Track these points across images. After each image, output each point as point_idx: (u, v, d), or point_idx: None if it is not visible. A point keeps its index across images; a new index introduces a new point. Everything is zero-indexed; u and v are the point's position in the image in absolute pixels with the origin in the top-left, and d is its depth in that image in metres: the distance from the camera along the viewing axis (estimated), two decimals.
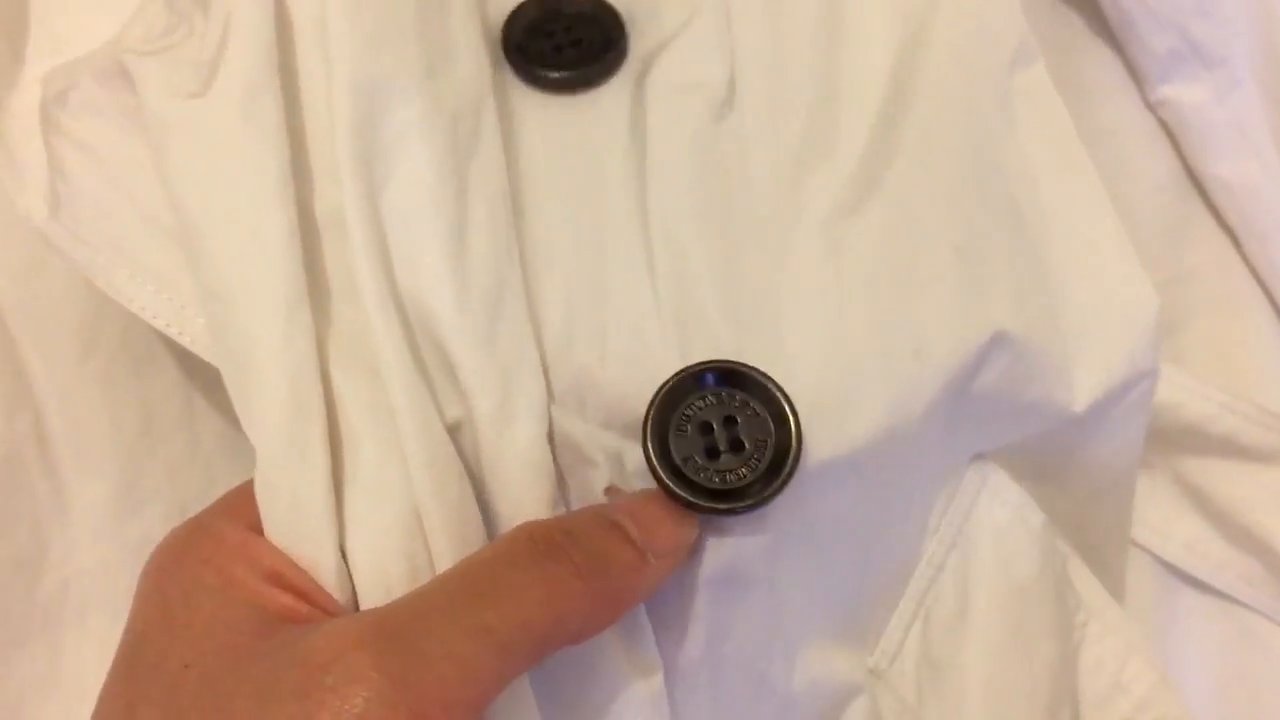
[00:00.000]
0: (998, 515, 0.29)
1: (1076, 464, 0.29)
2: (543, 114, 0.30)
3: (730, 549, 0.26)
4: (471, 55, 0.29)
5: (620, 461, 0.26)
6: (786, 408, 0.25)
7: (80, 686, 0.30)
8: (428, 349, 0.26)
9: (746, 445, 0.25)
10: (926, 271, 0.28)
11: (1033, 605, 0.29)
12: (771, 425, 0.25)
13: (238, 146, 0.26)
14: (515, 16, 0.31)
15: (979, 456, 0.30)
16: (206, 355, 0.27)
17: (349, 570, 0.24)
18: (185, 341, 0.27)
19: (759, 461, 0.25)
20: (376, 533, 0.24)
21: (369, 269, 0.26)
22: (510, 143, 0.29)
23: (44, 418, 0.30)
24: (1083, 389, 0.28)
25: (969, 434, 0.29)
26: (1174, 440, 0.33)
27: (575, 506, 0.26)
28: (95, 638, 0.30)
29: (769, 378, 0.26)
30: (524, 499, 0.25)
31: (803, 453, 0.25)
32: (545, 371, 0.26)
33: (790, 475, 0.25)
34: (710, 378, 0.26)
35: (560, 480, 0.26)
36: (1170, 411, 0.32)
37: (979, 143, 0.29)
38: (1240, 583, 0.33)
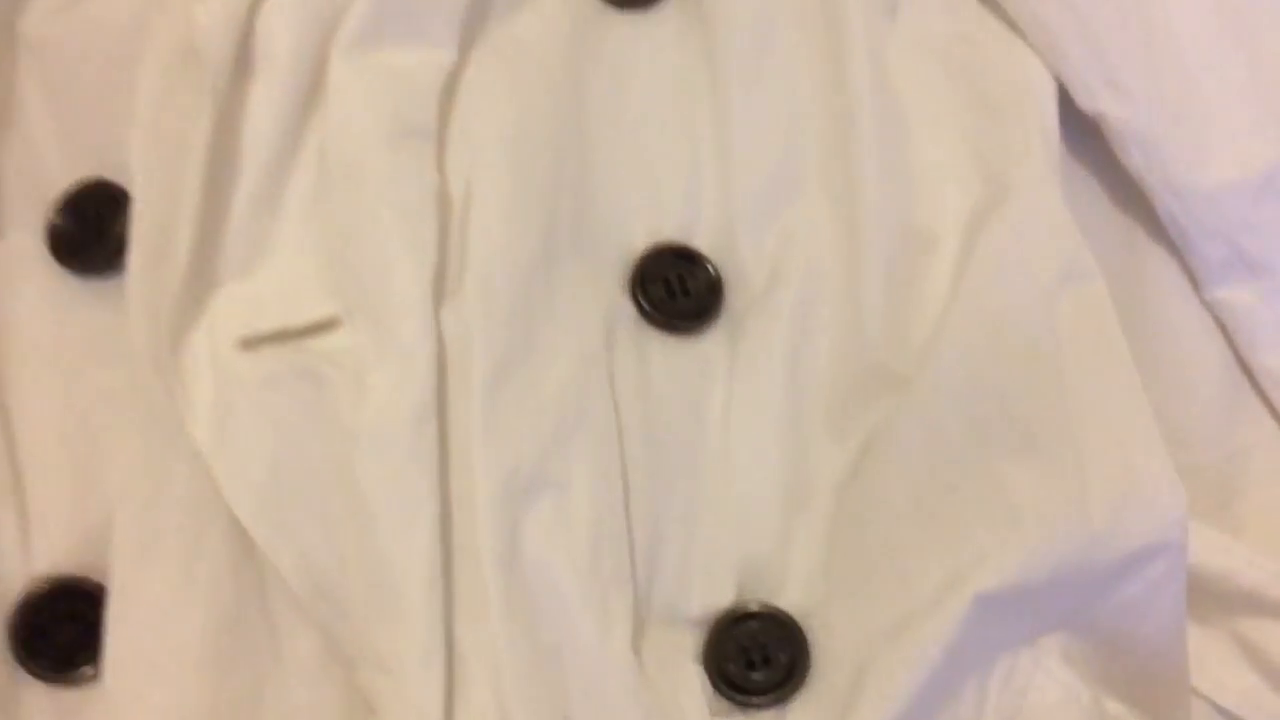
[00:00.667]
0: (1050, 694, 0.34)
1: (1122, 639, 0.34)
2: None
3: None
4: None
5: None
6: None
7: None
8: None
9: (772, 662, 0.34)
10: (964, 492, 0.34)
11: None
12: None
13: (400, 468, 0.32)
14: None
15: (1033, 640, 0.34)
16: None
17: None
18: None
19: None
20: None
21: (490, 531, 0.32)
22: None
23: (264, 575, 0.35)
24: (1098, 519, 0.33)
25: (1015, 628, 0.34)
26: (1231, 603, 0.37)
27: None
28: None
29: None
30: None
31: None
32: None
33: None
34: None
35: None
36: (1228, 578, 0.37)
37: (1017, 353, 0.34)
38: None
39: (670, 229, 0.38)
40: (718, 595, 0.34)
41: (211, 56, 0.34)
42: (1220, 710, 0.38)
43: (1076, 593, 0.33)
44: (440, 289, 0.34)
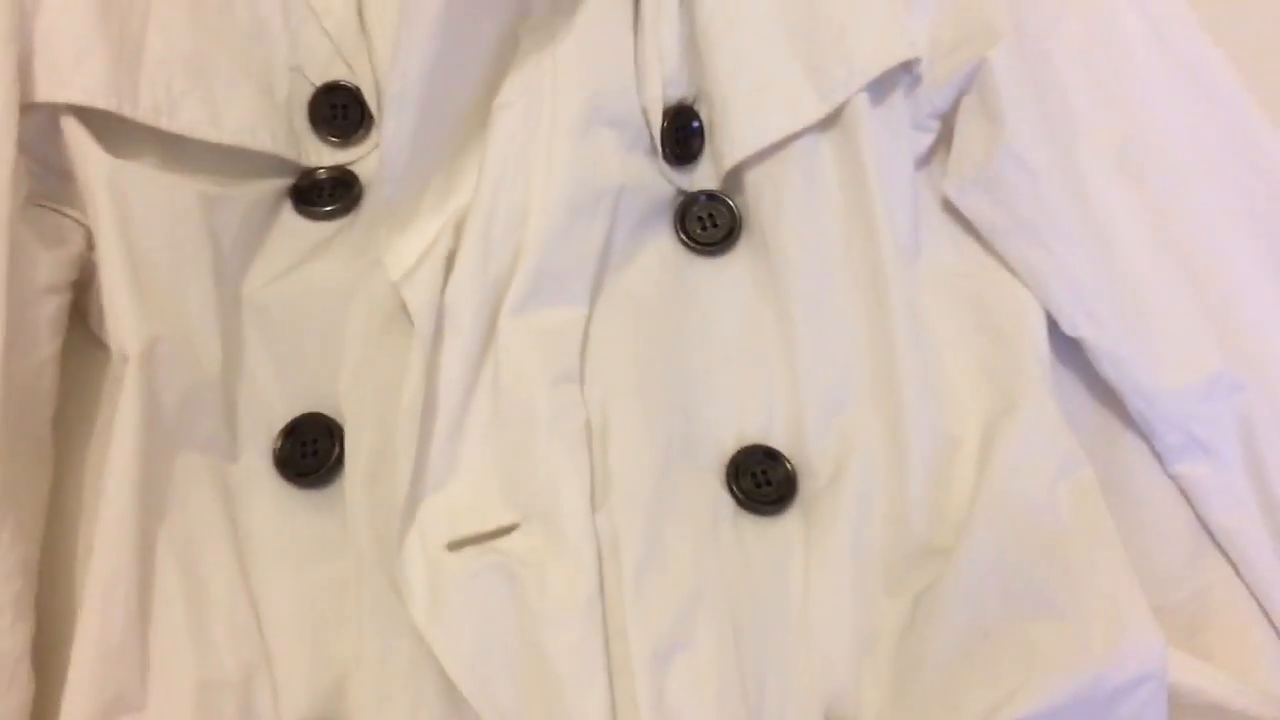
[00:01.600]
0: None
1: None
2: None
3: None
4: None
5: None
6: None
7: None
8: None
9: None
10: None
11: None
12: None
13: (580, 640, 0.42)
14: None
15: None
16: None
17: None
18: None
19: None
20: None
21: None
22: None
23: None
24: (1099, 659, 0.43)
25: None
26: (1203, 713, 0.47)
27: None
28: None
29: None
30: None
31: None
32: None
33: None
34: None
35: None
36: (1200, 693, 0.47)
37: (1031, 530, 0.45)
38: None
39: (753, 433, 0.49)
40: None
41: (420, 324, 0.45)
42: None
43: (1086, 714, 0.44)
44: (592, 499, 0.45)
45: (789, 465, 0.49)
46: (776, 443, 0.49)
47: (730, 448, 0.49)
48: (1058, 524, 0.46)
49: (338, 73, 0.51)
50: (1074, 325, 0.50)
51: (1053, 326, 0.51)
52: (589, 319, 0.49)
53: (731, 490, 0.48)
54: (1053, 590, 0.45)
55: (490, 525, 0.44)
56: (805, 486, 0.49)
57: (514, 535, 0.44)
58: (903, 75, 0.51)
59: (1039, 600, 0.45)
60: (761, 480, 0.49)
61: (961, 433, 0.48)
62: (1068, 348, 0.52)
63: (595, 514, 0.45)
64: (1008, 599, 0.45)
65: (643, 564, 0.44)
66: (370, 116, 0.52)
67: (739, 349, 0.51)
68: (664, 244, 0.52)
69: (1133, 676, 0.43)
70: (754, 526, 0.48)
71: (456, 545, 0.44)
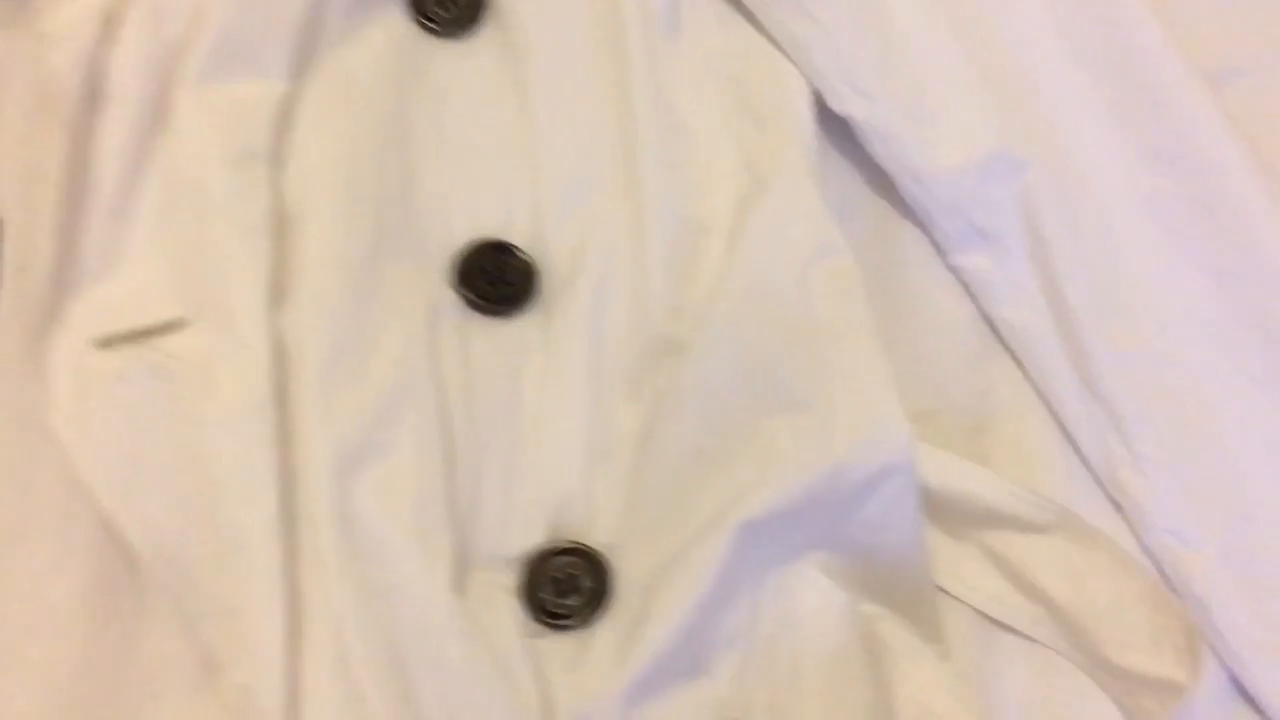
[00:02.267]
0: (811, 600, 0.41)
1: (871, 551, 0.41)
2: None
3: None
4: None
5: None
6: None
7: None
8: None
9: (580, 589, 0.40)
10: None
11: (845, 661, 0.40)
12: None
13: (246, 447, 0.37)
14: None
15: (797, 556, 0.41)
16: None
17: None
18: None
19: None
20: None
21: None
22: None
23: None
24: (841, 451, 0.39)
25: (779, 548, 0.40)
26: (977, 518, 0.44)
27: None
28: None
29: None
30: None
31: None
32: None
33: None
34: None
35: None
36: (973, 498, 0.44)
37: (776, 319, 0.41)
38: (1034, 625, 0.44)
39: (489, 227, 0.44)
40: (532, 536, 0.40)
41: (66, 93, 0.39)
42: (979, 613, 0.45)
43: (827, 515, 0.40)
44: (278, 294, 0.39)
45: (527, 261, 0.44)
46: (514, 238, 0.44)
47: (460, 244, 0.44)
48: (807, 313, 0.41)
49: None
50: (840, 100, 0.45)
51: (828, 111, 0.46)
52: (294, 98, 0.43)
53: (459, 289, 0.43)
54: (796, 382, 0.40)
55: (151, 319, 0.39)
56: (545, 285, 0.44)
57: (183, 333, 0.39)
58: None
59: (781, 394, 0.40)
60: (497, 278, 0.43)
61: (711, 220, 0.43)
62: (843, 134, 0.47)
63: (281, 310, 0.39)
64: (748, 394, 0.40)
65: (330, 364, 0.39)
66: None
67: (475, 138, 0.45)
68: (395, 22, 0.46)
69: (876, 471, 0.39)
70: (484, 328, 0.43)
71: (109, 342, 0.38)
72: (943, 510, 0.44)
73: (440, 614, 0.37)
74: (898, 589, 0.41)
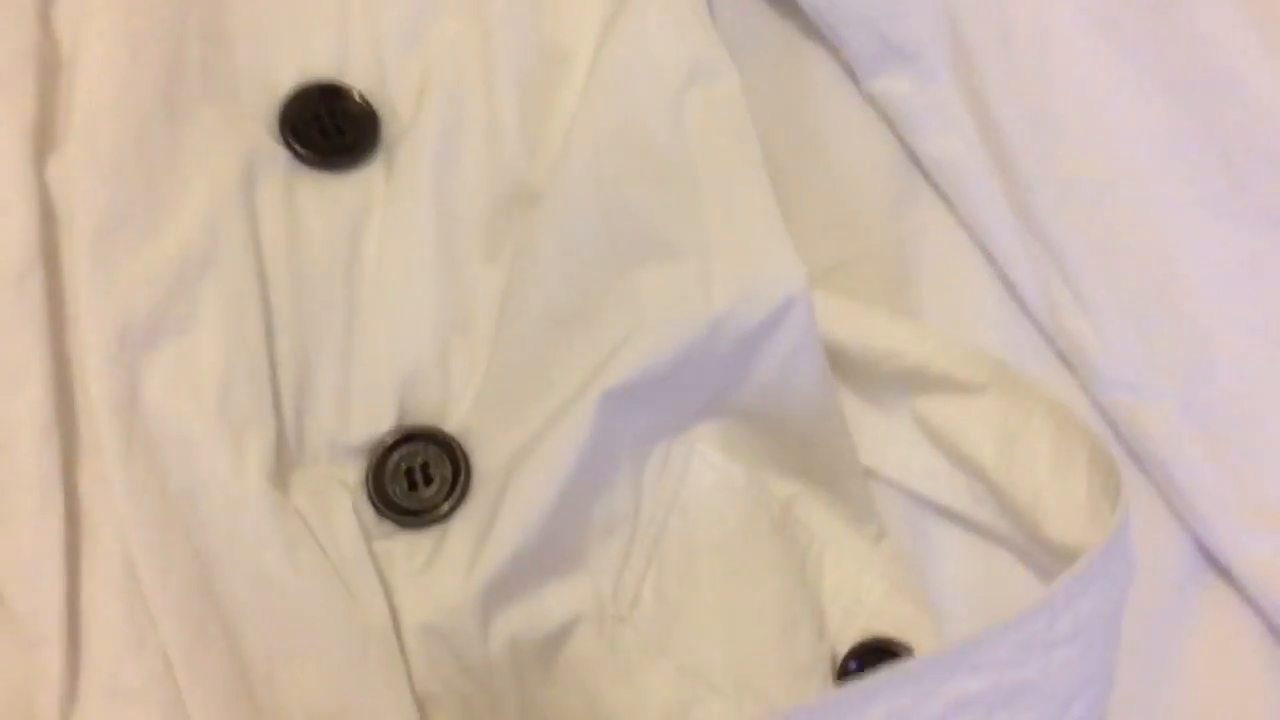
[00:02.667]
0: (705, 479, 0.35)
1: (774, 419, 0.35)
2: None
3: None
4: None
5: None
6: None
7: None
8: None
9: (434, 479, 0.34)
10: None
11: (750, 547, 0.35)
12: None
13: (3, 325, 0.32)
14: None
15: (684, 430, 0.35)
16: None
17: None
18: None
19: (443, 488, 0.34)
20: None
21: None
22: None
23: None
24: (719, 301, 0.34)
25: (658, 420, 0.35)
26: (903, 381, 0.38)
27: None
28: None
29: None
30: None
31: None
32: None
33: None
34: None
35: None
36: (896, 357, 0.38)
37: (645, 155, 0.35)
38: (973, 505, 0.39)
39: (319, 68, 0.37)
40: (377, 421, 0.34)
41: None
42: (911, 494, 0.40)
43: (712, 378, 0.34)
44: (46, 146, 0.33)
45: (364, 106, 0.37)
46: (350, 79, 0.38)
47: (285, 88, 0.37)
48: (680, 146, 0.35)
49: None
50: None
51: None
52: None
53: (285, 140, 0.37)
54: (667, 227, 0.34)
55: None
56: (385, 132, 0.37)
57: None
58: None
59: (650, 241, 0.34)
60: (330, 127, 0.37)
61: (572, 42, 0.37)
62: None
63: (45, 162, 0.33)
64: (613, 244, 0.34)
65: (110, 227, 0.32)
66: None
67: None
68: None
69: (764, 322, 0.33)
70: (314, 184, 0.36)
71: None
72: (864, 374, 0.38)
73: (255, 517, 0.31)
74: (814, 463, 0.36)
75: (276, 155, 0.36)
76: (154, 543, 0.30)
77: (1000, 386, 0.38)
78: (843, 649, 0.35)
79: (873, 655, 0.35)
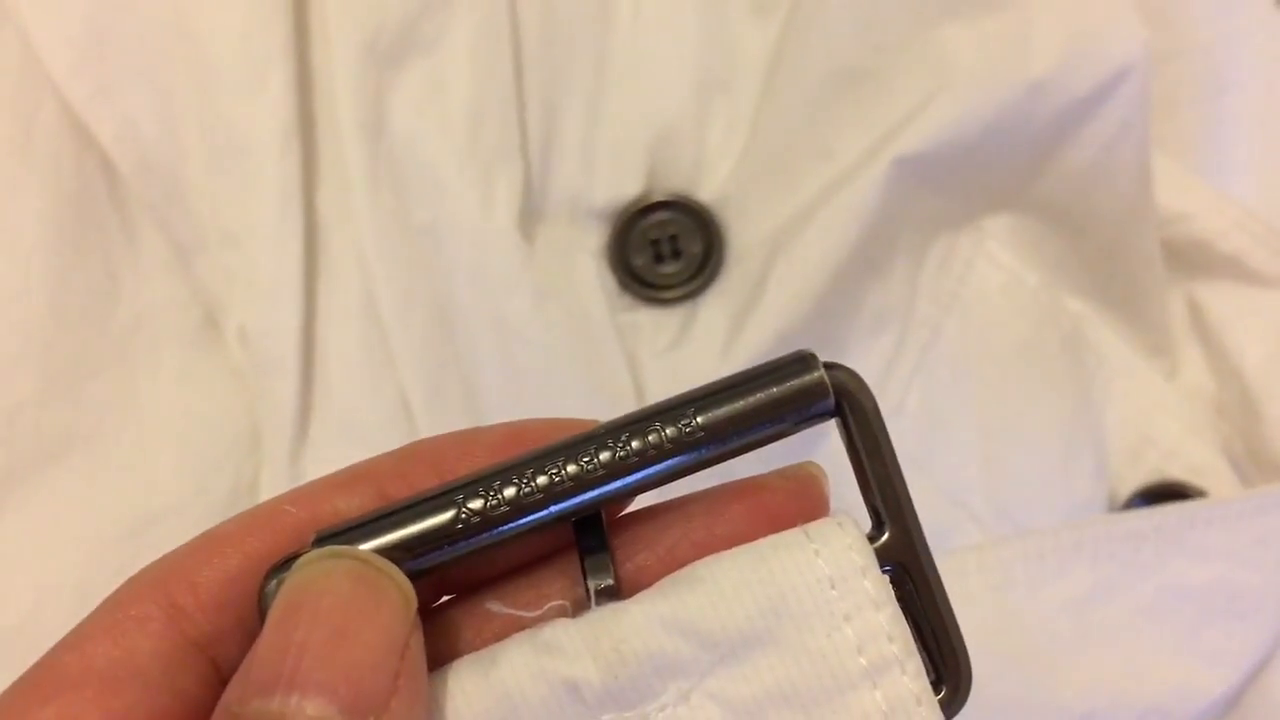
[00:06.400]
0: (991, 280, 0.30)
1: (1081, 217, 0.30)
2: None
3: None
4: None
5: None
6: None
7: (156, 416, 0.31)
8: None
9: (683, 254, 0.30)
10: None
11: (1033, 363, 0.30)
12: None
13: (246, 20, 0.28)
14: None
15: (972, 221, 0.31)
16: None
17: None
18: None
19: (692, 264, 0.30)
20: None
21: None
22: None
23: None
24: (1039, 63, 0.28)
25: (950, 202, 0.30)
26: (1183, 254, 0.32)
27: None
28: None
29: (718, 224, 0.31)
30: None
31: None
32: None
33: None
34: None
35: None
36: (1185, 222, 0.32)
37: None
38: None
39: None
40: (624, 183, 0.31)
41: None
42: None
43: (1017, 155, 0.29)
44: None
45: None
46: None
47: None
48: None
49: None
50: None
51: None
52: None
53: None
54: None
55: None
56: None
57: None
58: None
59: None
60: None
61: None
62: None
63: None
64: None
65: None
66: None
67: None
68: None
69: (1092, 91, 0.28)
70: None
71: None
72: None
73: (504, 260, 0.28)
74: (1115, 277, 0.31)
75: None
76: (398, 278, 0.27)
77: None
78: (1126, 490, 0.31)
79: (1160, 501, 0.31)
